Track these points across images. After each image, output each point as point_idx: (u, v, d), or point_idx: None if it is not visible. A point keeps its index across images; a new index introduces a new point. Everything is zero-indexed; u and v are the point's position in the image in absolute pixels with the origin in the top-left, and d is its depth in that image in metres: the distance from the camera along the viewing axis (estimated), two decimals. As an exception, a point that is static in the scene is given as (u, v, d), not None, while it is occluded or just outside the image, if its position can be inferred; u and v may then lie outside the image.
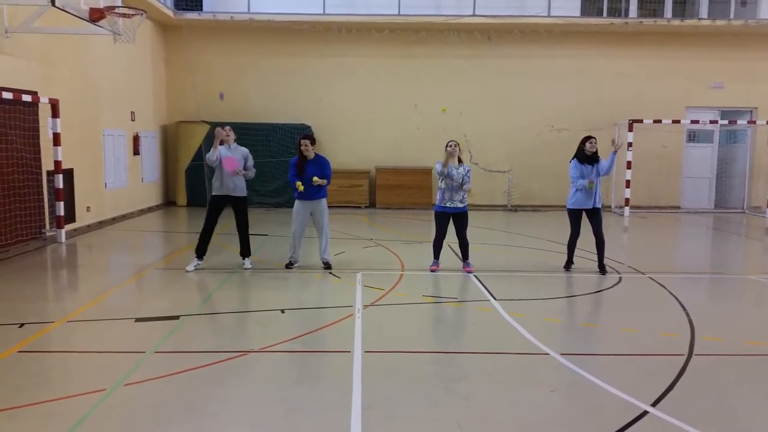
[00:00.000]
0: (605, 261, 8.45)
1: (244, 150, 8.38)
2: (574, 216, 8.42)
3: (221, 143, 8.20)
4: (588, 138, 8.35)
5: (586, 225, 8.41)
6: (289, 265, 8.44)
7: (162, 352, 5.17)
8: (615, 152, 8.20)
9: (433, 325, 6.41)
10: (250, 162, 8.36)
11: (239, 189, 8.23)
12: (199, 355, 5.08)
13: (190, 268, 8.20)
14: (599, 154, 8.38)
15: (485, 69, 16.15)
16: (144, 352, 5.10)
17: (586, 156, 8.27)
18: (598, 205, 8.35)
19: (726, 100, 16.39)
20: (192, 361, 4.89)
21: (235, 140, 8.41)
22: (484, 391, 4.46)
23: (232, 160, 8.12)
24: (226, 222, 9.14)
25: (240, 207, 8.31)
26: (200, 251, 8.25)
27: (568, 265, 8.58)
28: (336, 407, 4.14)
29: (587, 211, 8.35)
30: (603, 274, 8.30)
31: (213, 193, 8.31)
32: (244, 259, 8.42)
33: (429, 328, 6.31)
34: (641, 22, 15.37)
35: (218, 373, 4.71)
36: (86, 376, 4.67)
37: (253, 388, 4.45)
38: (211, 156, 8.01)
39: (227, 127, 8.31)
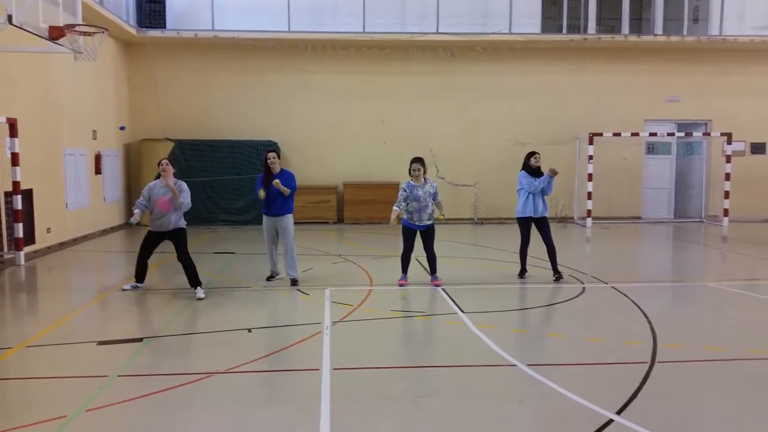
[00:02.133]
0: (559, 267, 8.72)
1: (182, 185, 7.94)
2: (524, 224, 8.78)
3: (158, 177, 8.00)
4: (532, 153, 8.82)
5: (536, 235, 8.69)
6: (270, 278, 8.65)
7: (125, 376, 5.06)
8: (552, 177, 8.48)
9: (402, 340, 6.42)
10: (185, 197, 7.85)
11: (175, 223, 7.87)
12: (164, 378, 4.98)
13: (127, 286, 8.12)
14: (543, 170, 8.77)
15: (450, 85, 16.37)
16: (106, 376, 4.98)
17: (532, 170, 8.70)
18: (545, 214, 8.73)
19: (682, 113, 16.93)
20: (156, 385, 4.79)
21: (175, 173, 8.00)
22: (454, 405, 4.48)
23: (165, 202, 7.79)
24: (197, 242, 9.00)
25: (178, 240, 7.90)
26: (138, 277, 8.13)
27: (522, 273, 8.88)
28: (304, 427, 4.10)
29: (535, 220, 8.71)
30: (557, 279, 8.56)
31: (149, 228, 7.99)
32: (195, 288, 7.85)
33: (398, 343, 6.31)
34: (599, 38, 15.81)
35: (183, 396, 4.63)
36: (46, 403, 4.53)
37: (219, 410, 4.38)
38: (135, 220, 7.83)
39: (164, 161, 7.97)
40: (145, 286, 8.19)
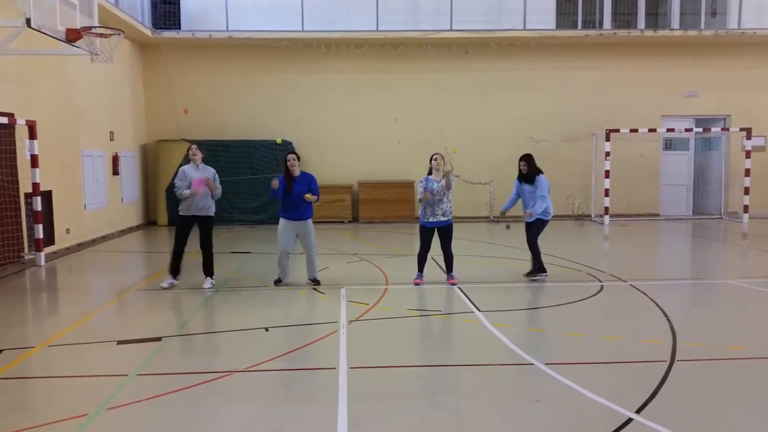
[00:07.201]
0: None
1: (212, 170, 8.34)
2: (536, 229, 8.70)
3: (187, 162, 8.38)
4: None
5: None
6: (278, 282, 8.49)
7: (145, 375, 5.11)
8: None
9: (418, 339, 6.41)
10: (217, 182, 8.33)
11: (206, 209, 8.22)
12: (183, 376, 5.02)
13: (165, 284, 8.22)
14: (542, 171, 8.57)
15: (464, 82, 16.31)
16: (127, 375, 5.03)
17: (522, 175, 8.58)
18: (528, 220, 8.57)
19: (700, 108, 16.72)
20: (175, 383, 4.84)
21: (203, 159, 8.36)
22: (472, 404, 4.47)
23: (201, 181, 8.09)
24: (214, 242, 9.02)
25: (205, 226, 8.30)
26: (174, 271, 8.29)
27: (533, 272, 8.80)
28: (322, 425, 4.11)
29: (526, 223, 8.66)
30: (530, 276, 8.55)
31: (180, 214, 8.26)
32: (206, 277, 8.36)
33: (414, 341, 6.30)
34: (615, 33, 15.66)
35: (202, 395, 4.66)
36: (68, 402, 4.59)
37: (238, 408, 4.41)
38: (181, 190, 8.10)
39: (194, 146, 8.40)
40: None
